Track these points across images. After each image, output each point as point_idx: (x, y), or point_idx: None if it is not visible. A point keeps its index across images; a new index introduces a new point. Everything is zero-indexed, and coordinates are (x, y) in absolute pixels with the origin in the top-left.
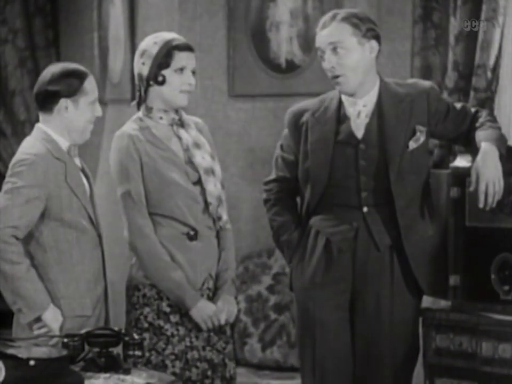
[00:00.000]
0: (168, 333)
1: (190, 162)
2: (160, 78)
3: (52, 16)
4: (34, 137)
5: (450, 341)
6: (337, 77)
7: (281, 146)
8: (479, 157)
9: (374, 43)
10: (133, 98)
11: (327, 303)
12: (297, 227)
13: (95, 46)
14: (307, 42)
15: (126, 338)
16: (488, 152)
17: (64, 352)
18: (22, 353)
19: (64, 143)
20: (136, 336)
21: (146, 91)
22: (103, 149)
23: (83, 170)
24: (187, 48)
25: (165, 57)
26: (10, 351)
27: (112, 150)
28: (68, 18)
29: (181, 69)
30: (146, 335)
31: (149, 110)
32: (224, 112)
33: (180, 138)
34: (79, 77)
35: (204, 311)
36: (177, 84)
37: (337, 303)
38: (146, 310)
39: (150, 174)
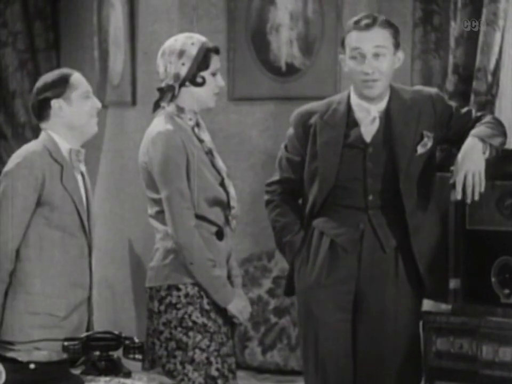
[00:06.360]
0: (211, 330)
1: (213, 165)
2: (199, 80)
3: (52, 18)
4: (37, 140)
5: (451, 344)
6: (372, 80)
7: (286, 147)
8: (461, 150)
9: (401, 54)
10: (133, 101)
11: (330, 304)
12: (300, 228)
13: (95, 49)
14: (307, 45)
15: (127, 342)
16: (469, 145)
17: (64, 356)
18: (22, 356)
19: (65, 146)
20: (136, 340)
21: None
22: (104, 151)
23: (83, 179)
24: (218, 51)
25: (204, 58)
26: (11, 354)
27: (159, 148)
28: (68, 21)
29: (215, 72)
30: (190, 333)
31: (180, 109)
32: (224, 115)
33: (201, 140)
34: (63, 76)
35: (240, 304)
36: (213, 86)
37: (341, 304)
38: (190, 308)
39: (194, 174)
